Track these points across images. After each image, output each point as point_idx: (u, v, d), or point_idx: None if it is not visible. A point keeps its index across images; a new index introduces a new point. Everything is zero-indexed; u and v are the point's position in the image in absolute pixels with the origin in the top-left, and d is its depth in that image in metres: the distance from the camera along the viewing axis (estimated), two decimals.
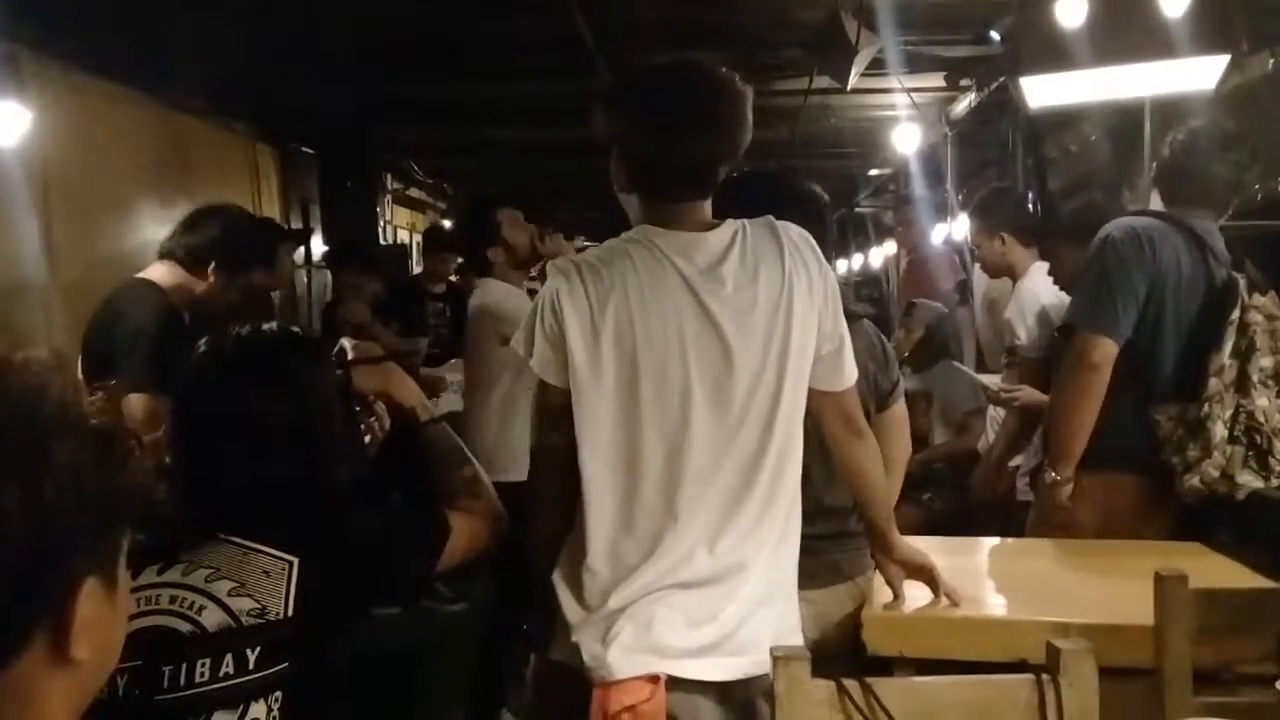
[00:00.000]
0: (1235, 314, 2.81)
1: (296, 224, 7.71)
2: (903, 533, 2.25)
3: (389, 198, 9.92)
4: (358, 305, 5.43)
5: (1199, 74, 3.16)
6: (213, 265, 3.19)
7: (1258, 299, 2.84)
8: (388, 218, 9.85)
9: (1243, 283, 2.87)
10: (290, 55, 5.59)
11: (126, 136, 5.22)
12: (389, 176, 9.77)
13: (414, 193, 10.83)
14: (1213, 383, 2.79)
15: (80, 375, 3.00)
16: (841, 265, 12.84)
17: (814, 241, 1.97)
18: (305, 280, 7.85)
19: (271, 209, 7.24)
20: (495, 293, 3.94)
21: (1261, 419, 2.77)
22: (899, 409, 2.53)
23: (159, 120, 5.55)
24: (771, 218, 1.96)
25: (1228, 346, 2.80)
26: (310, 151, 7.68)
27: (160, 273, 3.20)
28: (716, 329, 1.86)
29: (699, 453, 1.86)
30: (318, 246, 7.98)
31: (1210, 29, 3.01)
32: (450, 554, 1.78)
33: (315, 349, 1.90)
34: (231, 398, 1.70)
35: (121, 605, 1.00)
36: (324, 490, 1.72)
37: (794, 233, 1.95)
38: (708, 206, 1.96)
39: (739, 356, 1.86)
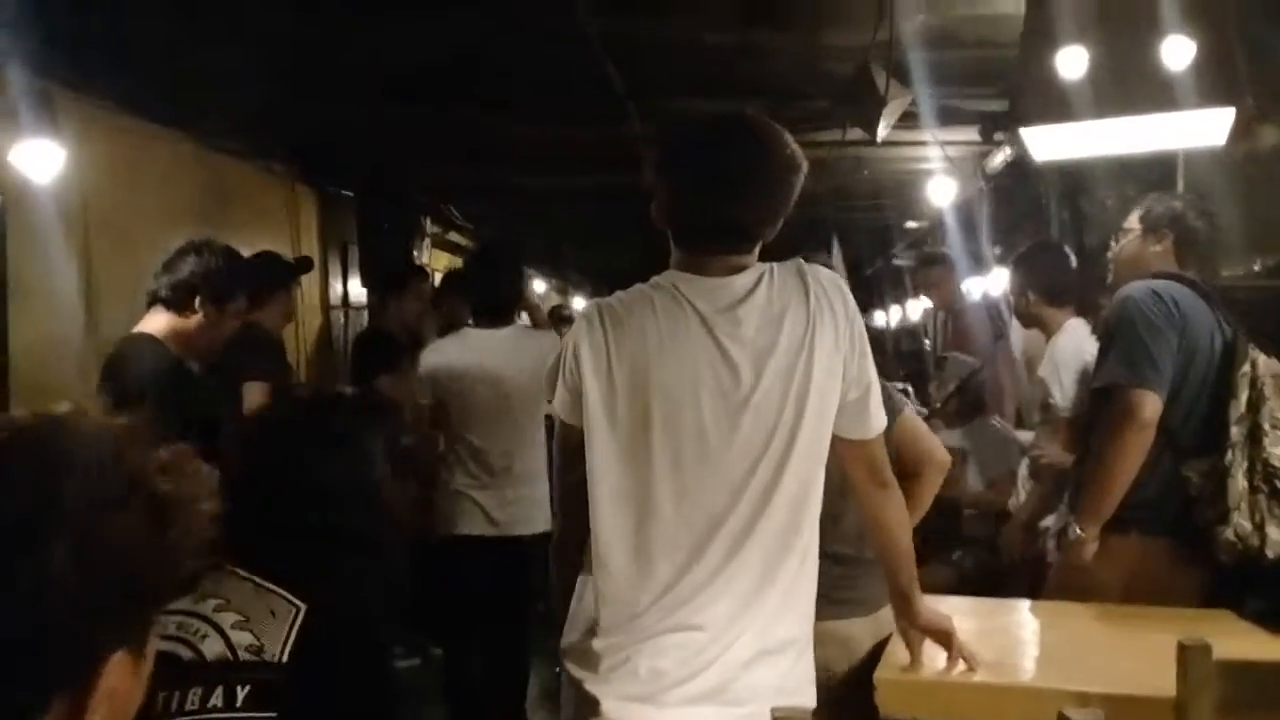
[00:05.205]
0: (1246, 368, 2.85)
1: (335, 265, 7.78)
2: (932, 591, 2.22)
3: (428, 241, 9.98)
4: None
5: (1206, 129, 3.14)
6: (198, 299, 3.17)
7: (1261, 356, 2.89)
8: (426, 260, 9.92)
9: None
10: (328, 98, 5.67)
11: (166, 177, 5.27)
12: (427, 220, 9.84)
13: (453, 236, 10.91)
14: (1234, 431, 2.81)
15: None
16: (879, 318, 12.84)
17: (844, 286, 1.96)
18: (342, 320, 7.91)
19: (310, 250, 7.28)
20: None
21: (1278, 465, 2.77)
22: (906, 414, 2.70)
23: (198, 161, 5.61)
24: (801, 260, 1.96)
25: (1243, 397, 2.83)
26: (349, 194, 7.75)
27: (154, 324, 3.17)
28: (734, 371, 1.85)
29: (709, 495, 1.85)
30: (355, 288, 8.04)
31: (1214, 83, 2.99)
32: None
33: (376, 416, 1.94)
34: (297, 460, 1.74)
35: (146, 670, 0.98)
36: (356, 549, 1.74)
37: (824, 276, 1.94)
38: (746, 256, 1.95)
39: (756, 399, 1.85)
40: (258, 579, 1.61)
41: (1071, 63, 3.03)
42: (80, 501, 0.89)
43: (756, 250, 1.96)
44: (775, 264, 1.94)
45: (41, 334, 4.20)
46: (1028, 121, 3.29)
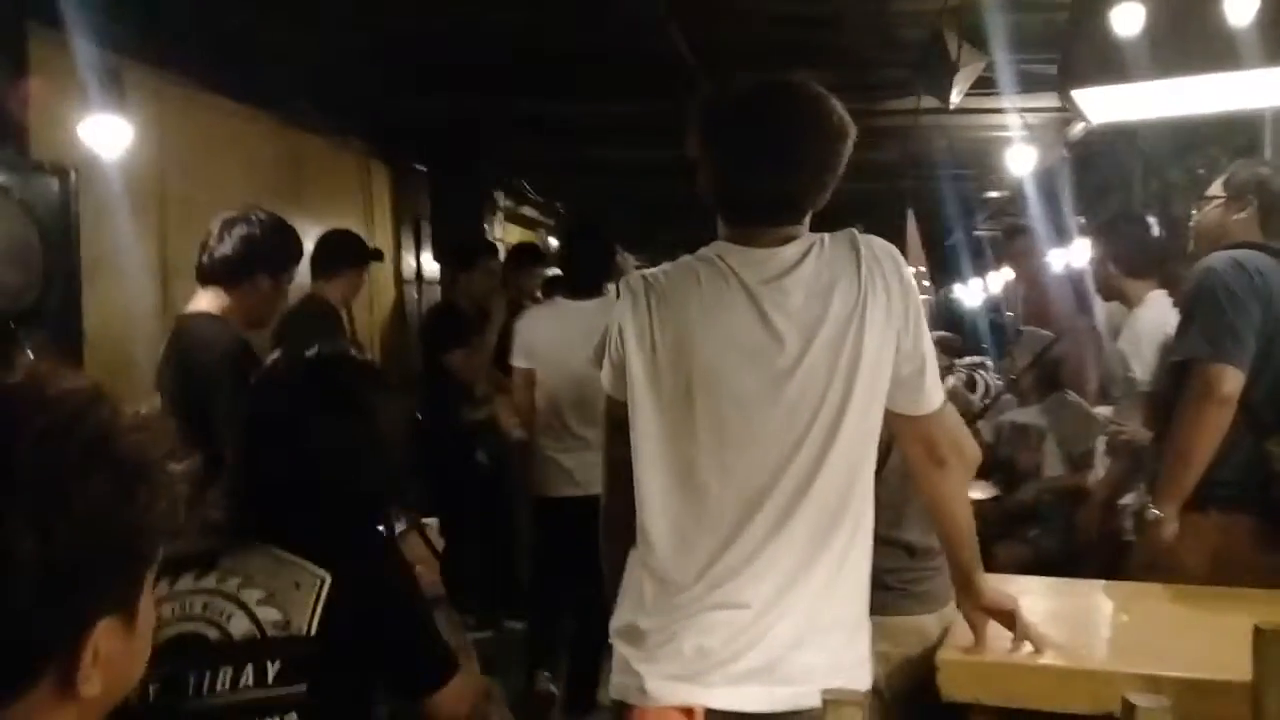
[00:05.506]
0: None
1: (408, 240, 7.82)
2: (1007, 570, 2.15)
3: (501, 215, 10.00)
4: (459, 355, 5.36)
5: (1276, 88, 2.97)
6: (253, 273, 3.07)
7: None
8: (499, 235, 9.94)
9: None
10: (401, 73, 5.68)
11: (240, 151, 5.32)
12: (501, 194, 9.86)
13: (526, 211, 10.92)
14: None
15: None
16: (959, 290, 12.60)
17: (899, 257, 1.89)
18: (415, 296, 7.96)
19: (384, 225, 7.35)
20: None
21: None
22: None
23: (273, 136, 5.66)
24: (854, 230, 1.90)
25: None
26: (422, 169, 7.77)
27: (208, 301, 3.07)
28: (778, 341, 1.80)
29: (753, 468, 1.80)
30: (428, 263, 8.09)
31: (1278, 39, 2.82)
32: (449, 690, 1.70)
33: (382, 378, 1.93)
34: (296, 415, 1.71)
35: (142, 631, 0.97)
36: (371, 513, 1.72)
37: (876, 246, 1.88)
38: (795, 227, 1.89)
39: (800, 370, 1.80)
40: (277, 549, 1.59)
41: (1128, 19, 2.88)
42: (38, 469, 0.87)
43: (806, 220, 1.90)
44: (826, 234, 1.88)
45: (116, 310, 4.25)
46: (1078, 82, 3.14)
